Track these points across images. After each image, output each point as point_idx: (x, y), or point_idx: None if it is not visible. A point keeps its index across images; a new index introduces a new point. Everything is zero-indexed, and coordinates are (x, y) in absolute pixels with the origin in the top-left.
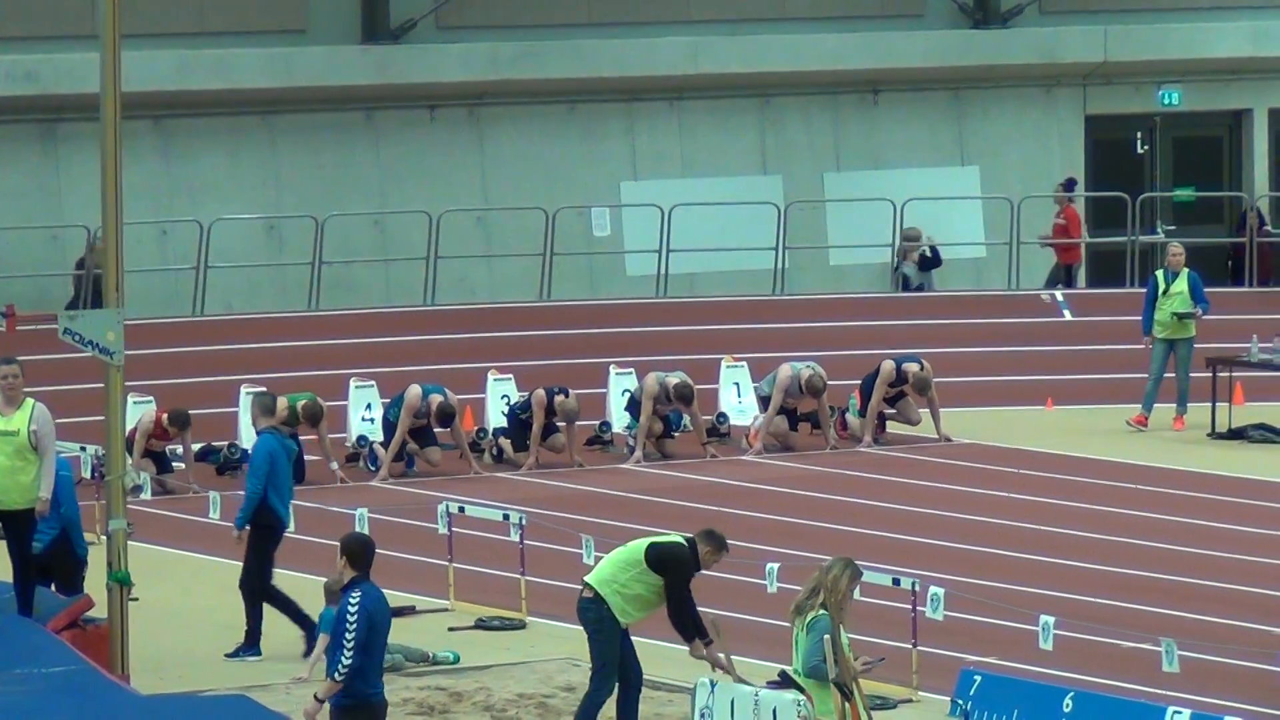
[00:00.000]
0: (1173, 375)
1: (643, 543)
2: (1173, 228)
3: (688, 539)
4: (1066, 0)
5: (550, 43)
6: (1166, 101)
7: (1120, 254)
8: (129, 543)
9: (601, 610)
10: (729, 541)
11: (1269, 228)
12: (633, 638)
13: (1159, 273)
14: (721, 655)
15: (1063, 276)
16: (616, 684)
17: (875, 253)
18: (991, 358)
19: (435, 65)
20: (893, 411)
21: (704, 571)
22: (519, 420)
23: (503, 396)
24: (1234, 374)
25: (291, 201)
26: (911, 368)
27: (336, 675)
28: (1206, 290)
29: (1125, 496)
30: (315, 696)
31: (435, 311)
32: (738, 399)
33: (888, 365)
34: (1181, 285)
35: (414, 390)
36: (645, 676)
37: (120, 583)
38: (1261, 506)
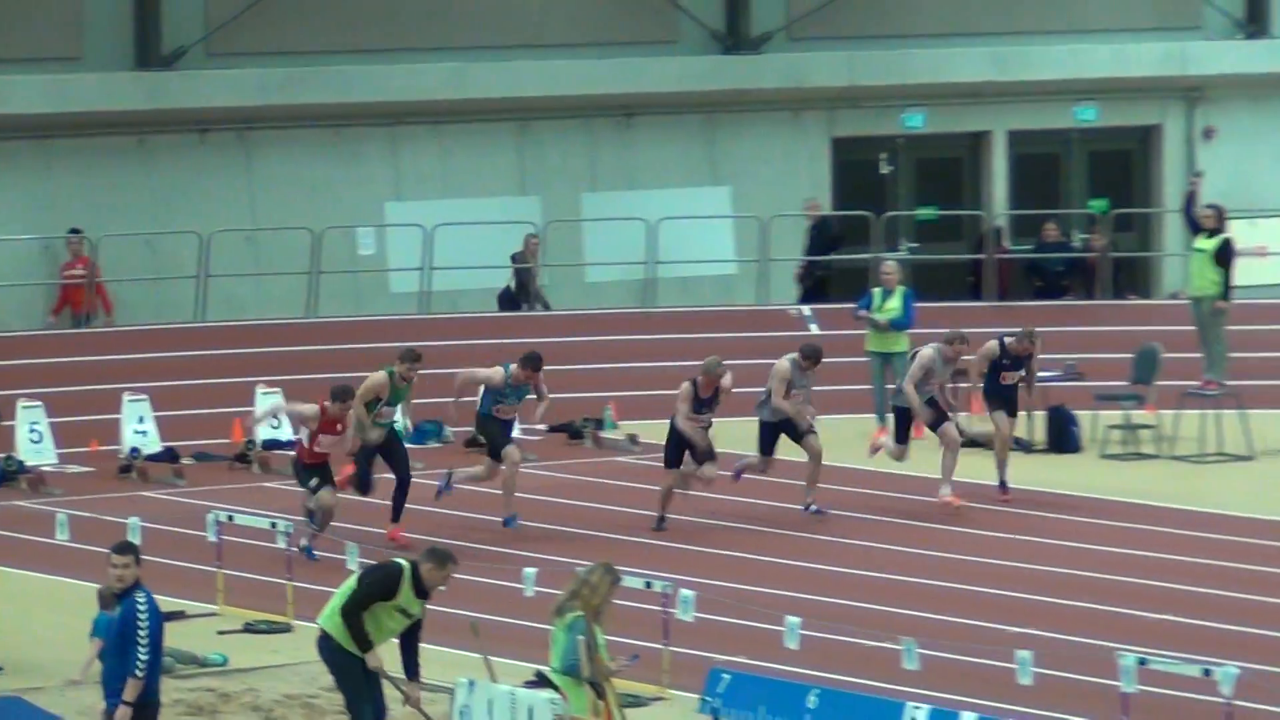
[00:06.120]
0: (894, 387)
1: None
2: (916, 245)
3: (411, 561)
4: (813, 27)
5: (316, 69)
6: (909, 124)
7: (864, 271)
8: None
9: (330, 644)
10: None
11: (1007, 245)
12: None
13: (876, 290)
14: (385, 669)
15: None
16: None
17: (630, 270)
18: (742, 371)
19: (205, 91)
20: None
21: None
22: None
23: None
24: (973, 385)
25: (66, 223)
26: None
27: (138, 673)
28: (942, 304)
29: (863, 502)
30: (124, 701)
31: (206, 328)
32: None
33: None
34: (895, 302)
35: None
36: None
37: None
38: (994, 511)
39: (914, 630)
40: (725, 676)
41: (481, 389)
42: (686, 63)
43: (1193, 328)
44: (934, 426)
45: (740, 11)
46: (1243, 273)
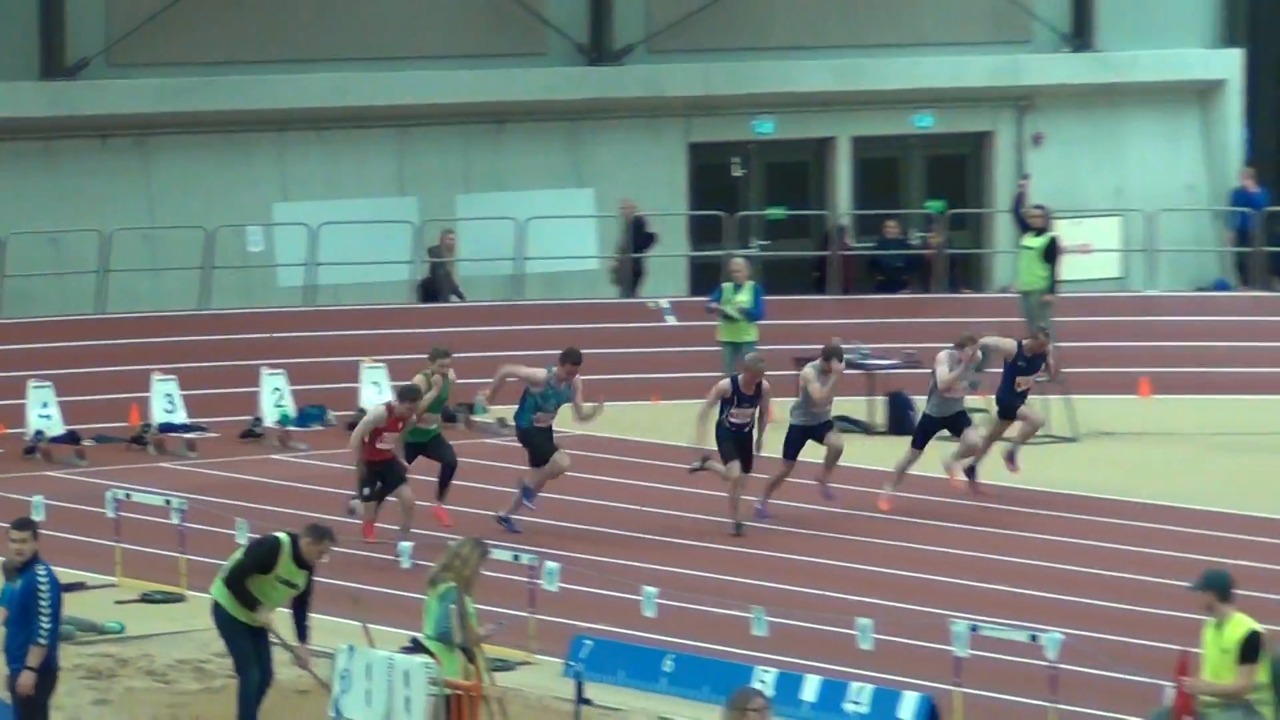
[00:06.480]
0: None
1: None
2: (765, 242)
3: (292, 535)
4: (671, 40)
5: (209, 79)
6: (760, 130)
7: (717, 266)
8: None
9: (219, 611)
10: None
11: (850, 242)
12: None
13: (727, 284)
14: (275, 628)
15: None
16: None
17: (500, 265)
18: (606, 359)
19: (106, 99)
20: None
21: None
22: None
23: (165, 395)
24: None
25: None
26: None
27: (41, 640)
28: (790, 298)
29: (713, 480)
30: (28, 667)
31: (106, 319)
32: (377, 394)
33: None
34: (745, 296)
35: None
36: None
37: None
38: (838, 488)
39: (764, 600)
40: (587, 643)
41: (520, 399)
42: (553, 73)
43: (1022, 319)
44: (955, 431)
45: (603, 26)
46: (1068, 268)
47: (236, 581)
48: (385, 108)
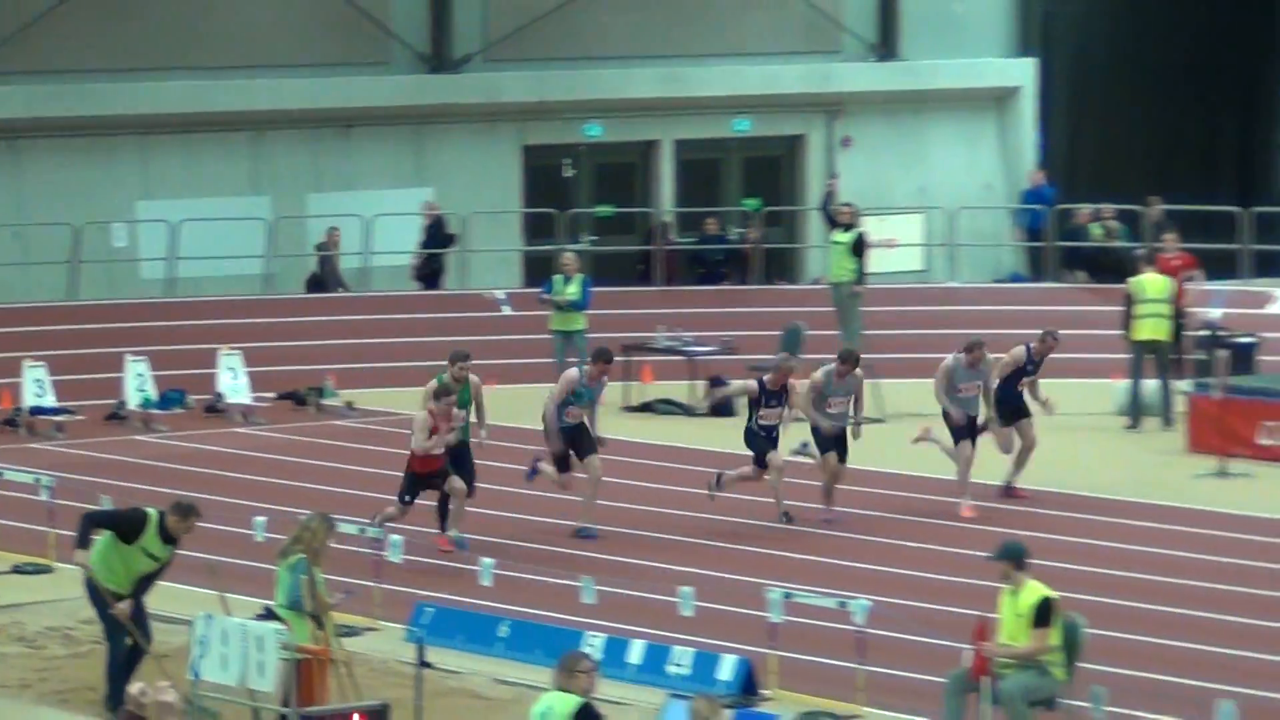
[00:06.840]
0: (576, 360)
1: None
2: (594, 238)
3: (160, 510)
4: (507, 50)
5: (77, 86)
6: (590, 134)
7: (550, 260)
8: None
9: (93, 585)
10: (205, 505)
11: (673, 238)
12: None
13: (557, 276)
14: (123, 606)
15: None
16: (126, 640)
17: (348, 259)
18: (446, 346)
19: None
20: None
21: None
22: None
23: (36, 380)
24: (643, 358)
25: None
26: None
27: None
28: (617, 289)
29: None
30: None
31: None
32: (233, 380)
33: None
34: (574, 288)
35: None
36: (153, 609)
37: None
38: (660, 467)
39: (592, 569)
40: (429, 610)
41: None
42: (397, 81)
43: (832, 309)
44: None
45: (444, 36)
46: (875, 262)
47: (87, 520)
48: (241, 113)
